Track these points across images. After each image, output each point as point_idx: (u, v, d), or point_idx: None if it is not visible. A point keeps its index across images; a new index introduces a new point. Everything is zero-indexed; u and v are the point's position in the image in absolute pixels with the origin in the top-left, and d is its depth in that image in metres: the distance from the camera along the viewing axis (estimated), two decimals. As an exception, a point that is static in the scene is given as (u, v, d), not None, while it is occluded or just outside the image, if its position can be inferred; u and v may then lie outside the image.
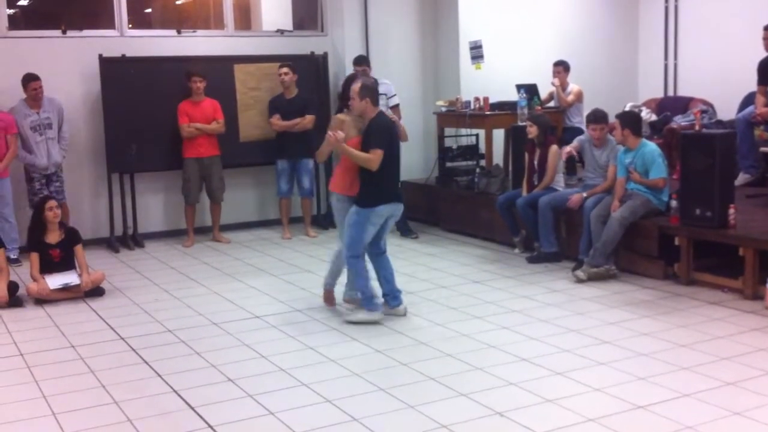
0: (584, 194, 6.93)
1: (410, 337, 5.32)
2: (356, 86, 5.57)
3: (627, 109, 8.56)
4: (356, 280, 5.74)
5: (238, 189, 9.18)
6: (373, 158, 5.45)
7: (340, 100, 5.90)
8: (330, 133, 5.55)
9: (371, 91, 5.59)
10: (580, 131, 8.50)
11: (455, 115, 8.85)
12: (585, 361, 4.79)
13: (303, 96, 8.69)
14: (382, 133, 5.54)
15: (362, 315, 5.67)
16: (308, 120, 8.58)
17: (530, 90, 8.44)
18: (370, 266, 5.83)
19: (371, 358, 4.97)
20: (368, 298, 5.69)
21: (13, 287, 6.43)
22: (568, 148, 7.20)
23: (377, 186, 5.55)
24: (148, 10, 10.32)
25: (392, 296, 5.82)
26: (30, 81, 7.75)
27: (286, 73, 8.54)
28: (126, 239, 8.56)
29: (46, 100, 7.91)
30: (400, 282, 6.73)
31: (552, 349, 5.01)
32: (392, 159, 5.62)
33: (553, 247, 7.16)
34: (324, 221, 9.34)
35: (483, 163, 8.81)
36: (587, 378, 4.52)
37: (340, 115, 5.83)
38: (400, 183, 6.03)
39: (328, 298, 6.03)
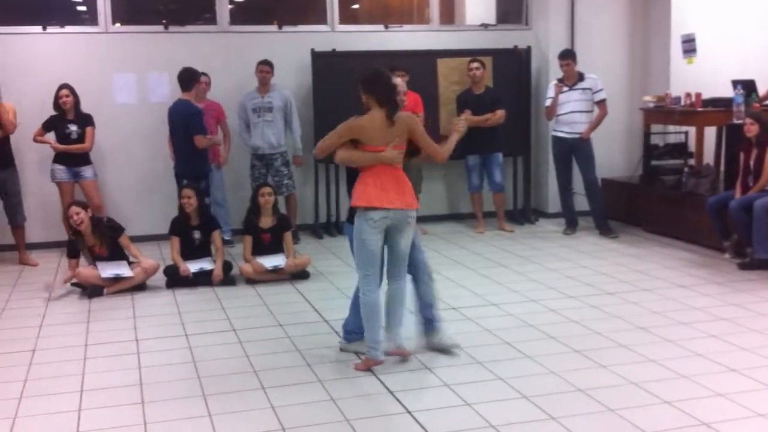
0: (806, 199, 6.46)
1: (610, 339, 5.18)
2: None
3: None
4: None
5: (430, 183, 9.28)
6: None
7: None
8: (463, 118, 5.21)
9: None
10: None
11: (663, 112, 8.49)
12: (803, 377, 4.48)
13: (492, 91, 8.67)
14: None
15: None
16: (499, 115, 8.53)
17: (748, 86, 7.93)
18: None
19: (567, 357, 4.89)
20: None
21: (227, 266, 6.88)
22: None
23: None
24: (356, 6, 10.66)
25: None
26: (258, 64, 8.32)
27: (477, 68, 8.55)
28: (329, 226, 8.92)
29: (274, 88, 8.38)
30: (598, 282, 6.61)
31: (765, 361, 4.71)
32: None
33: (768, 254, 6.73)
34: (521, 216, 9.30)
35: (692, 162, 8.41)
36: (805, 395, 4.23)
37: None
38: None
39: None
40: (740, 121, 7.31)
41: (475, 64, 8.57)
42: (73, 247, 6.72)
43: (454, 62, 9.01)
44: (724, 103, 7.96)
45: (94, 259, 6.70)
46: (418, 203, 4.85)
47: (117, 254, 6.72)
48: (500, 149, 8.73)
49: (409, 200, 4.75)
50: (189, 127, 7.31)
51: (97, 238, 6.65)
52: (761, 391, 4.31)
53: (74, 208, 6.63)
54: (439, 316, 5.10)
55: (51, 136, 7.84)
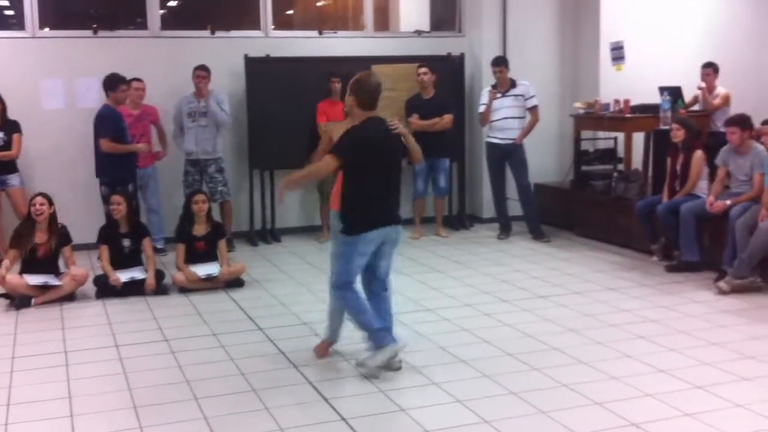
0: (728, 202, 6.65)
1: (543, 342, 5.26)
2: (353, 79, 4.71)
3: (779, 114, 8.13)
4: (356, 315, 4.82)
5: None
6: (319, 165, 4.70)
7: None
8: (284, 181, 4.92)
9: (365, 91, 4.66)
10: (725, 137, 8.15)
11: (593, 118, 8.66)
12: (727, 376, 4.60)
13: (441, 96, 8.72)
14: (351, 141, 4.62)
15: (381, 355, 4.73)
16: (447, 120, 8.59)
17: (674, 92, 8.15)
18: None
19: (500, 361, 4.94)
20: (376, 332, 4.77)
21: (159, 275, 6.77)
22: (720, 205, 6.72)
23: (364, 207, 4.70)
24: (290, 12, 10.62)
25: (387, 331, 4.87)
26: (194, 69, 8.19)
27: (425, 73, 8.59)
28: (265, 233, 8.86)
29: (211, 94, 8.25)
30: (531, 286, 6.69)
31: (692, 362, 4.84)
32: (383, 175, 4.72)
33: (694, 256, 6.90)
34: (456, 222, 9.37)
35: (621, 167, 8.59)
36: (729, 393, 4.34)
37: (329, 123, 4.96)
38: (398, 202, 4.92)
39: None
40: (667, 127, 7.51)
41: (422, 69, 8.61)
42: (18, 237, 6.56)
43: (388, 68, 8.98)
44: (651, 110, 8.16)
45: (24, 264, 6.54)
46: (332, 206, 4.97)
47: (54, 261, 6.61)
48: (447, 154, 8.79)
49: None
50: (99, 130, 7.29)
51: (48, 236, 6.54)
52: (689, 391, 4.41)
53: (40, 198, 6.57)
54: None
55: (-24, 144, 7.63)
